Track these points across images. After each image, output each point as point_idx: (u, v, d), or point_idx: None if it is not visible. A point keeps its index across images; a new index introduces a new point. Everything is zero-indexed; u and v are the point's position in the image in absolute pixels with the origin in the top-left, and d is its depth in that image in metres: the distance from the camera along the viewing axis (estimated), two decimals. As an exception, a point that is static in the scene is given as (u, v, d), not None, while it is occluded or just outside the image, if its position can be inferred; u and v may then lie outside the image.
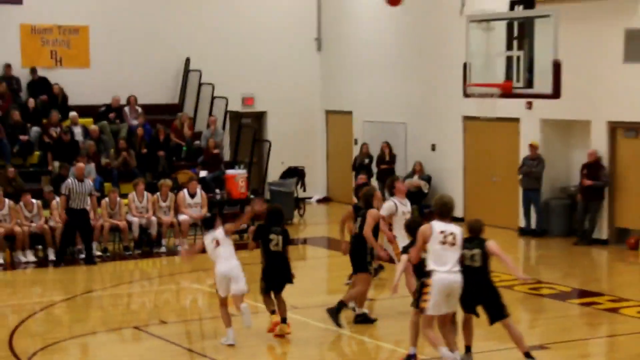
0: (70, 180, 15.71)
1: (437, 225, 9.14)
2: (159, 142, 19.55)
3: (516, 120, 18.20)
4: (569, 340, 10.62)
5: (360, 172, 15.19)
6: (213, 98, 21.31)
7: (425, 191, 19.49)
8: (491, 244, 9.35)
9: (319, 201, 22.83)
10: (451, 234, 9.09)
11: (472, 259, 9.31)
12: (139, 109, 20.27)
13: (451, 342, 9.34)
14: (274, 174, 21.17)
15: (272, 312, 10.92)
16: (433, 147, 20.22)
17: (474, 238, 9.43)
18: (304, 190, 21.28)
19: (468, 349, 9.60)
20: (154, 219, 16.71)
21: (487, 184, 18.88)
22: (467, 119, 19.25)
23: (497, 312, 9.36)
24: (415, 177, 19.69)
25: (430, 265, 9.09)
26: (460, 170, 19.57)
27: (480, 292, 9.32)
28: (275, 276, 10.81)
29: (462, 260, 9.24)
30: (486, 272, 9.37)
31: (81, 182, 15.64)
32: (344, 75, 22.52)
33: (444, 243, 9.04)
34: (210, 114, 21.02)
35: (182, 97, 21.61)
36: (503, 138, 18.71)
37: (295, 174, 21.07)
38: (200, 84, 21.49)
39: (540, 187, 17.48)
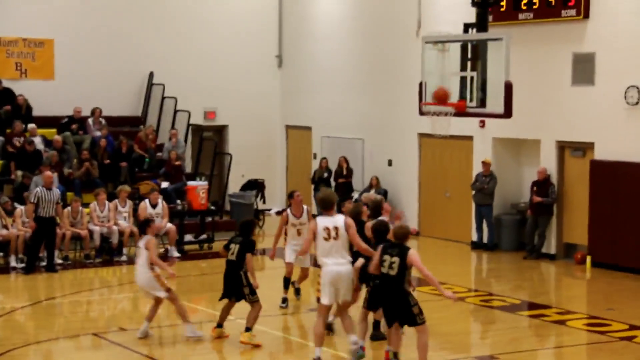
0: (39, 189, 15.60)
1: (321, 221, 9.55)
2: (122, 153, 19.43)
3: (470, 138, 18.37)
4: (518, 351, 10.70)
5: (346, 200, 14.61)
6: (176, 111, 21.25)
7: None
8: (412, 254, 9.18)
9: (278, 213, 22.79)
10: (335, 228, 9.46)
11: (390, 267, 9.20)
12: (103, 121, 20.13)
13: (347, 327, 9.75)
14: (234, 186, 21.14)
15: (218, 325, 11.01)
16: (390, 163, 20.34)
17: (397, 245, 9.31)
18: (264, 202, 21.27)
19: (395, 355, 9.63)
20: (115, 228, 16.61)
21: (442, 199, 19.03)
22: (422, 135, 19.38)
23: (409, 320, 9.24)
24: (372, 191, 19.76)
25: (320, 259, 9.57)
26: (415, 185, 19.69)
27: (392, 300, 9.25)
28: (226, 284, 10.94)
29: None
30: (401, 282, 9.17)
31: (49, 191, 15.54)
32: (304, 91, 22.58)
33: (327, 239, 9.47)
34: (172, 126, 20.95)
35: (145, 110, 21.52)
36: (457, 155, 18.87)
37: (255, 186, 21.07)
38: (163, 98, 21.42)
39: (492, 203, 17.65)
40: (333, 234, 9.49)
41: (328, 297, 9.61)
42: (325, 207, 9.64)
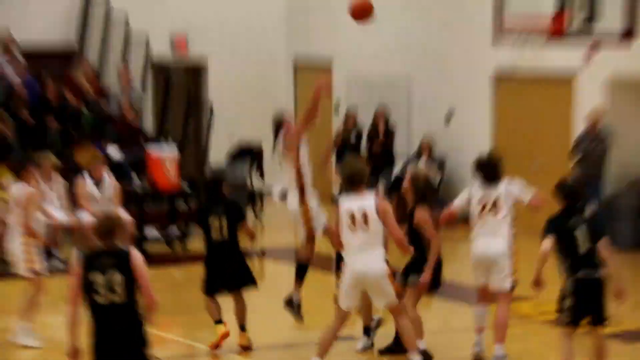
0: None
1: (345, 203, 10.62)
2: (49, 105, 19.63)
3: (570, 78, 18.53)
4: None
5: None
6: (127, 38, 21.32)
7: (436, 181, 19.80)
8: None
9: (284, 195, 22.89)
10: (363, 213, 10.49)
11: None
12: (20, 58, 20.31)
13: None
14: (218, 153, 21.28)
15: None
16: (448, 118, 20.54)
17: None
18: (262, 179, 21.32)
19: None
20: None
21: (526, 172, 19.15)
22: (498, 75, 19.54)
23: None
24: (423, 161, 19.97)
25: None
26: (487, 147, 19.86)
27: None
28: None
29: None
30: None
31: None
32: (320, 10, 22.73)
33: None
34: (123, 61, 21.08)
35: (81, 37, 21.63)
36: (550, 104, 19.03)
37: (249, 154, 21.08)
38: (108, 17, 21.49)
39: (601, 176, 17.81)
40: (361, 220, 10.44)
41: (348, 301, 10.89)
42: (352, 183, 10.56)
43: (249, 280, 12.19)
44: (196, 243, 17.97)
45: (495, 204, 11.30)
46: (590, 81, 18.35)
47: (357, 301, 10.88)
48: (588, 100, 18.33)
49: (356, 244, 10.57)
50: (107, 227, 8.65)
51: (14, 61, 20.24)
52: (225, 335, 12.02)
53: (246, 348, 12.10)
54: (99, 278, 8.50)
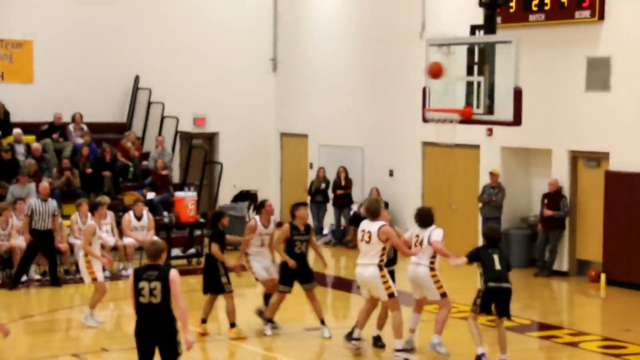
0: (33, 201, 15.77)
1: (362, 224, 11.20)
2: (105, 162, 19.43)
3: (477, 147, 18.41)
4: (527, 374, 10.71)
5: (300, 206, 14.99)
6: (163, 117, 21.27)
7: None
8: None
9: (278, 225, 22.72)
10: (368, 232, 10.97)
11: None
12: (84, 127, 20.14)
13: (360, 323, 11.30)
14: (225, 197, 21.12)
15: (203, 320, 12.04)
16: (391, 173, 20.36)
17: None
18: (257, 214, 21.12)
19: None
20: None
21: (446, 212, 19.00)
22: (426, 144, 19.42)
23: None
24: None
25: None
26: (418, 197, 19.70)
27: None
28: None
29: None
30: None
31: (44, 202, 15.66)
32: (300, 96, 22.61)
33: (361, 240, 11.09)
34: (159, 133, 20.95)
35: (130, 115, 21.51)
36: (463, 165, 18.90)
37: (248, 197, 21.03)
38: (149, 103, 21.43)
39: (500, 216, 17.65)
40: (366, 237, 10.99)
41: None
42: (372, 216, 11.11)
43: (229, 282, 12.25)
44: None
45: (422, 242, 11.27)
46: (490, 150, 18.23)
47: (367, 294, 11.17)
48: (489, 162, 18.17)
49: (362, 253, 11.05)
50: (155, 250, 8.66)
51: (81, 131, 20.06)
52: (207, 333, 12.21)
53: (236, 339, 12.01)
54: (145, 285, 8.45)
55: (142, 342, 8.54)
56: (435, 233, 11.23)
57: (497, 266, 10.81)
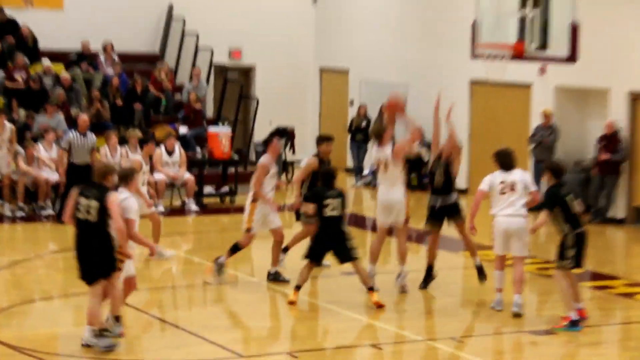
0: (72, 134, 15.65)
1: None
2: (136, 94, 19.23)
3: (528, 86, 17.99)
4: (579, 326, 10.36)
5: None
6: (197, 49, 20.97)
7: (426, 160, 19.22)
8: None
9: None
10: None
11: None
12: (116, 58, 19.90)
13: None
14: (260, 133, 20.86)
15: (297, 288, 10.70)
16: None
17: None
18: (294, 153, 21.02)
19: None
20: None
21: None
22: (474, 82, 18.96)
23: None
24: (416, 144, 19.37)
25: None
26: (465, 138, 19.30)
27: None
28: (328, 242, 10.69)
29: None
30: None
31: (83, 136, 15.55)
32: (341, 29, 22.17)
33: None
34: (193, 65, 20.68)
35: (163, 46, 21.27)
36: (513, 105, 18.51)
37: (285, 134, 20.81)
38: (183, 33, 21.15)
39: (552, 159, 17.24)
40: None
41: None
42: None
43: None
44: (240, 199, 17.57)
45: (512, 187, 10.49)
46: (543, 89, 17.82)
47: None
48: (541, 103, 17.76)
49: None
50: (102, 170, 9.02)
51: (112, 61, 19.82)
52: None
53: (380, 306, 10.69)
54: (83, 201, 8.85)
55: (79, 257, 8.96)
56: (528, 178, 10.58)
57: (577, 207, 10.06)
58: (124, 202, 9.08)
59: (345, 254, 10.66)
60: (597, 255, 14.26)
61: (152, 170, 16.72)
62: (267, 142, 12.16)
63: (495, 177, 10.55)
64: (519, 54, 13.61)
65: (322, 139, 12.20)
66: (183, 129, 18.90)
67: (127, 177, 9.37)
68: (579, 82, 17.09)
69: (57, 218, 15.27)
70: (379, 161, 11.31)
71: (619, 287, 12.22)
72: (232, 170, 18.31)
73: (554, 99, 17.65)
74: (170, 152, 16.80)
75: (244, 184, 18.31)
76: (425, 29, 20.15)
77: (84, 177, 15.29)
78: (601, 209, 16.61)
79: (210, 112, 20.70)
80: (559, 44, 13.26)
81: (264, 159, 11.73)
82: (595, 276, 12.81)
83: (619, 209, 16.59)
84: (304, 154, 22.29)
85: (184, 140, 18.16)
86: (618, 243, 15.88)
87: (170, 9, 21.15)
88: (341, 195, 10.69)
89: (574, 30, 12.53)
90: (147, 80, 19.67)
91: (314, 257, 10.67)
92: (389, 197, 11.16)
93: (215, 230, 15.53)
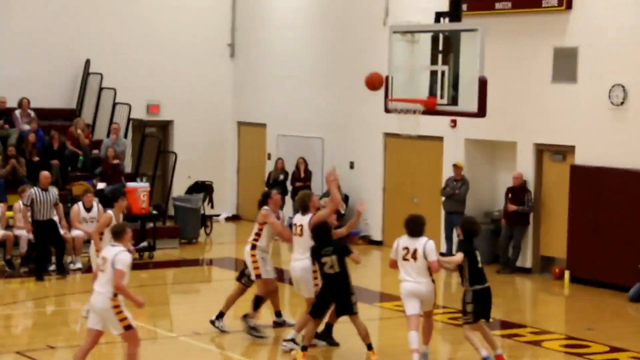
0: (34, 190, 15.74)
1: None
2: (53, 150, 19.19)
3: (440, 139, 18.43)
4: (488, 374, 10.71)
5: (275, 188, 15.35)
6: (115, 104, 21.00)
7: (342, 212, 19.54)
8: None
9: (228, 219, 22.69)
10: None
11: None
12: (32, 113, 19.84)
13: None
14: (179, 188, 20.94)
15: (304, 349, 10.76)
16: (351, 165, 20.32)
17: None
18: (212, 207, 21.09)
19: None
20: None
21: (408, 205, 19.03)
22: (388, 135, 19.41)
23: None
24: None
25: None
26: (379, 190, 19.70)
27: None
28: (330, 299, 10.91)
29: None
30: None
31: (45, 192, 15.68)
32: (258, 84, 22.47)
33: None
34: (111, 121, 20.70)
35: (80, 101, 21.25)
36: (426, 157, 18.91)
37: (203, 189, 20.92)
38: (101, 89, 21.16)
39: (463, 211, 17.68)
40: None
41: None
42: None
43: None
44: (159, 255, 17.67)
45: (414, 255, 10.60)
46: (454, 141, 18.26)
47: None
48: (452, 155, 18.20)
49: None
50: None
51: (28, 117, 19.77)
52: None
53: None
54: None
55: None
56: (431, 248, 10.53)
57: (480, 264, 10.55)
58: (119, 255, 9.36)
59: (342, 308, 10.85)
60: (506, 304, 14.73)
61: (70, 226, 16.72)
62: (266, 196, 12.19)
63: (400, 242, 10.70)
64: (430, 108, 13.86)
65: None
66: (101, 185, 18.87)
67: (120, 232, 9.65)
68: (488, 135, 17.59)
69: (36, 274, 15.46)
70: (296, 226, 11.47)
71: (526, 335, 12.61)
72: (150, 225, 18.35)
73: (465, 151, 18.09)
74: (88, 209, 16.73)
75: (163, 239, 18.49)
76: (340, 84, 20.50)
77: (50, 231, 15.52)
78: (510, 258, 17.08)
79: (129, 167, 20.64)
80: (468, 99, 13.54)
81: (265, 210, 11.93)
82: (504, 324, 13.21)
83: (527, 259, 17.01)
84: (223, 209, 22.53)
85: (102, 196, 18.12)
86: (526, 292, 16.30)
87: (87, 64, 21.17)
88: (336, 251, 10.71)
89: (482, 85, 12.81)
90: (63, 137, 19.62)
91: (316, 313, 10.88)
92: (303, 264, 11.32)
93: (134, 287, 15.53)
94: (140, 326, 12.42)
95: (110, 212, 12.77)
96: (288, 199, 20.06)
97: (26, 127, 19.54)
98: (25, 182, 17.91)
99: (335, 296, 10.80)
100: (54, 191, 16.03)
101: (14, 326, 13.09)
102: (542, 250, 17.09)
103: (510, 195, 17.01)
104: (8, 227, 16.70)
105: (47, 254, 15.96)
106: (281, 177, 20.61)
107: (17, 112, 19.79)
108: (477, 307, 10.48)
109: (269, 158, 22.05)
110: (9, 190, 17.97)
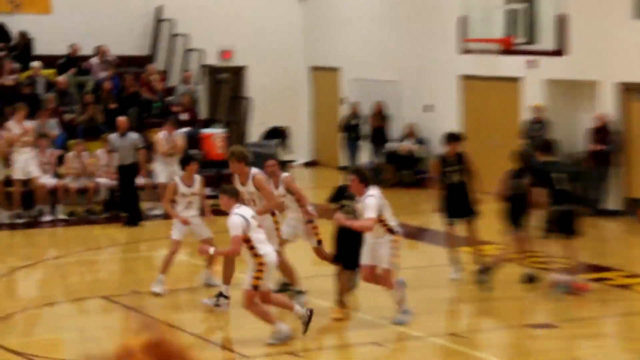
0: (112, 136, 15.97)
1: None
2: (128, 97, 19.16)
3: (517, 79, 17.96)
4: (579, 319, 10.44)
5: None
6: (187, 50, 20.88)
7: (418, 156, 19.28)
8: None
9: (306, 164, 22.53)
10: None
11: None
12: (110, 59, 19.79)
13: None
14: (254, 134, 20.84)
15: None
16: (426, 108, 19.95)
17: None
18: (288, 152, 20.96)
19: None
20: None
21: (486, 149, 18.62)
22: (464, 77, 18.98)
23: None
24: (406, 141, 19.45)
25: None
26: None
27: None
28: None
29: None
30: None
31: (124, 137, 15.86)
32: (330, 28, 22.15)
33: None
34: (183, 67, 20.60)
35: (153, 48, 21.18)
36: (503, 99, 18.49)
37: (278, 134, 20.77)
38: (173, 35, 21.05)
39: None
40: None
41: None
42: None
43: None
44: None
45: None
46: (532, 83, 17.78)
47: None
48: (530, 97, 17.73)
49: None
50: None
51: (104, 64, 19.75)
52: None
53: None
54: None
55: None
56: (370, 202, 9.87)
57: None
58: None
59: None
60: (593, 248, 14.33)
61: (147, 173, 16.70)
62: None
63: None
64: (507, 47, 13.55)
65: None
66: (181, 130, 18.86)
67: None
68: (568, 74, 17.05)
69: (129, 221, 15.43)
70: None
71: (616, 278, 12.26)
72: (227, 171, 18.23)
73: (544, 92, 17.64)
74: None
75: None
76: (413, 26, 20.10)
77: (131, 176, 15.52)
78: (593, 200, 16.64)
79: (203, 113, 20.65)
80: (547, 37, 13.18)
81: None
82: (592, 268, 12.85)
83: (611, 201, 16.63)
84: (300, 154, 22.36)
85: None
86: (612, 235, 15.91)
87: (159, 11, 21.08)
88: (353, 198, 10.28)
89: (562, 22, 12.46)
90: (138, 83, 19.61)
91: (349, 265, 10.42)
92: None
93: (213, 232, 15.50)
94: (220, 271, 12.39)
95: (177, 178, 11.92)
96: (362, 142, 19.80)
97: (102, 74, 19.56)
98: (103, 130, 17.99)
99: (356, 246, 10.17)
100: (134, 136, 16.02)
101: (100, 271, 13.15)
102: (629, 192, 16.59)
103: (592, 135, 16.51)
104: (88, 175, 16.68)
105: (134, 198, 15.81)
106: (355, 121, 20.36)
107: (94, 60, 19.78)
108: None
109: (342, 102, 21.80)
110: (87, 137, 17.99)
